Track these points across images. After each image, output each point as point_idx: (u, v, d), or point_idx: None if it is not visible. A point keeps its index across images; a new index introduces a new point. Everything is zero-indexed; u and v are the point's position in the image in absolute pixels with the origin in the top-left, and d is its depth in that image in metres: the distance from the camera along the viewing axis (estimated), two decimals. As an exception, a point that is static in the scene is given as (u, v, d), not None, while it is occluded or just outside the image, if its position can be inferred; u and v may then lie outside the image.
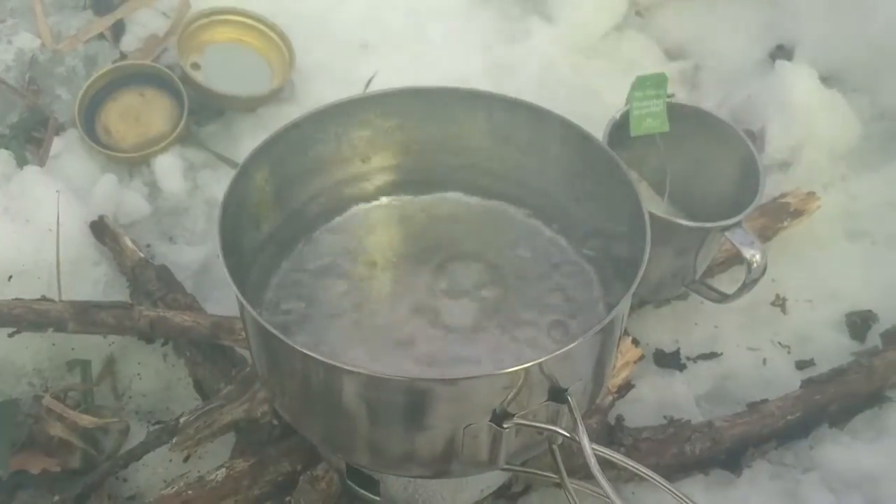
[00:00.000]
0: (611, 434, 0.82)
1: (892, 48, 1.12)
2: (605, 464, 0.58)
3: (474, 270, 0.74)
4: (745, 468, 0.84)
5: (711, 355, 0.96)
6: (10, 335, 0.85)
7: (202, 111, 1.11)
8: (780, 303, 1.00)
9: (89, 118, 1.06)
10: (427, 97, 0.75)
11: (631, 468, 0.56)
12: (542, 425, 0.58)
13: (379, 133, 0.76)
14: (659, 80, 0.88)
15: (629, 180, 0.67)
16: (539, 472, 0.68)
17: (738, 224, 0.83)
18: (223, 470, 0.77)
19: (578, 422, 0.56)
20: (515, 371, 0.55)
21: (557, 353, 0.56)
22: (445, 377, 0.57)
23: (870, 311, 0.99)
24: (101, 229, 0.95)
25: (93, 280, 0.91)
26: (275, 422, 0.78)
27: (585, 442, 0.55)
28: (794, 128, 1.09)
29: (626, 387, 0.88)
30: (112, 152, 1.04)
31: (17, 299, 0.83)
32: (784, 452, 0.87)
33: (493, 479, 0.75)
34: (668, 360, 0.95)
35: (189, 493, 0.75)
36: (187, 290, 0.92)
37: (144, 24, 1.15)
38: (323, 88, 1.12)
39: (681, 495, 0.55)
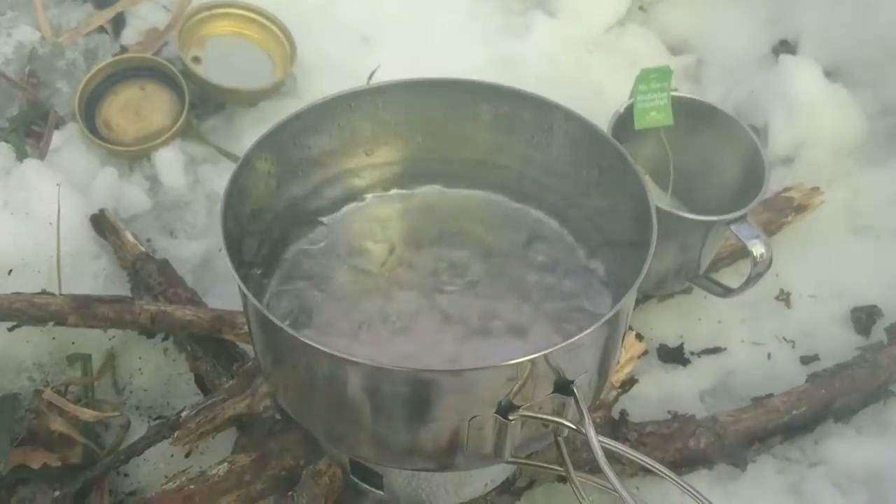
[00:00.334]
0: (615, 429, 0.82)
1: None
2: (610, 458, 0.58)
3: (477, 263, 0.74)
4: (749, 463, 0.84)
5: (715, 350, 0.96)
6: (11, 329, 0.84)
7: (203, 105, 1.10)
8: (784, 297, 1.00)
9: (89, 112, 1.06)
10: (431, 89, 0.74)
11: (637, 460, 0.55)
12: (548, 417, 0.58)
13: (382, 125, 0.76)
14: (663, 74, 0.87)
15: (635, 172, 0.66)
16: (544, 465, 0.68)
17: (743, 218, 0.83)
18: (225, 465, 0.76)
19: (585, 414, 0.56)
20: (521, 362, 0.55)
21: (563, 344, 0.56)
22: (451, 368, 0.57)
23: (874, 305, 0.99)
24: (101, 223, 0.94)
25: (93, 274, 0.91)
26: (277, 416, 0.78)
27: (592, 434, 0.55)
28: (798, 123, 1.08)
29: (630, 382, 0.87)
30: (112, 146, 1.04)
31: (17, 293, 0.82)
32: (789, 447, 0.87)
33: (497, 473, 0.75)
34: (672, 355, 0.95)
35: (191, 487, 0.75)
36: (188, 285, 0.92)
37: (145, 17, 1.15)
38: (324, 82, 1.12)
39: (687, 486, 0.55)
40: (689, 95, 0.93)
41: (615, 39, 1.23)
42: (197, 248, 0.99)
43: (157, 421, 0.87)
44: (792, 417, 0.86)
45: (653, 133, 0.90)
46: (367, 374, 0.57)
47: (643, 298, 0.96)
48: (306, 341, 0.56)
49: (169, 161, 1.04)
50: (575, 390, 0.57)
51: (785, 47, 1.19)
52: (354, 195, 0.78)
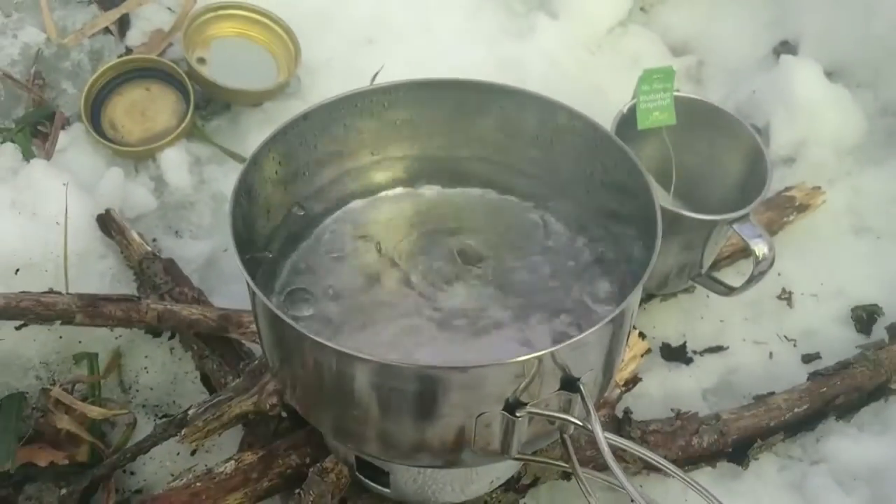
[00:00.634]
0: (619, 427, 0.83)
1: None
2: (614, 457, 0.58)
3: (483, 262, 0.75)
4: (752, 461, 0.84)
5: (718, 349, 0.96)
6: (18, 328, 0.85)
7: (208, 106, 1.11)
8: (785, 297, 1.00)
9: (95, 112, 1.06)
10: (436, 89, 0.75)
11: (644, 456, 0.56)
12: (555, 414, 0.58)
13: (388, 125, 0.76)
14: (666, 74, 0.88)
15: (640, 172, 0.67)
16: (551, 462, 0.68)
17: (745, 217, 0.84)
18: (232, 462, 0.77)
19: (591, 410, 0.56)
20: (529, 359, 0.55)
21: (570, 341, 0.56)
22: (459, 365, 0.57)
23: (875, 304, 0.99)
24: (107, 223, 0.95)
25: (99, 273, 0.91)
26: (283, 414, 0.78)
27: (598, 430, 0.55)
28: (799, 123, 1.09)
29: (634, 380, 0.88)
30: (118, 146, 1.04)
31: (24, 292, 0.83)
32: (791, 445, 0.88)
33: (502, 471, 0.75)
34: (675, 354, 0.96)
35: (198, 485, 0.75)
36: (193, 284, 0.92)
37: (149, 18, 1.15)
38: (328, 83, 1.12)
39: (694, 483, 0.55)
40: (691, 95, 0.94)
41: (617, 40, 1.24)
42: (202, 247, 1.00)
43: (163, 419, 0.87)
44: (794, 415, 0.86)
45: (655, 133, 0.90)
46: (375, 371, 0.57)
47: (646, 298, 0.97)
48: (315, 338, 0.56)
49: (174, 161, 1.04)
50: (581, 387, 0.58)
51: (786, 48, 1.20)
52: (360, 194, 0.79)
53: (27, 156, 1.00)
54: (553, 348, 0.56)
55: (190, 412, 0.78)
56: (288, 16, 1.14)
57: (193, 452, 0.85)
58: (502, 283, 0.73)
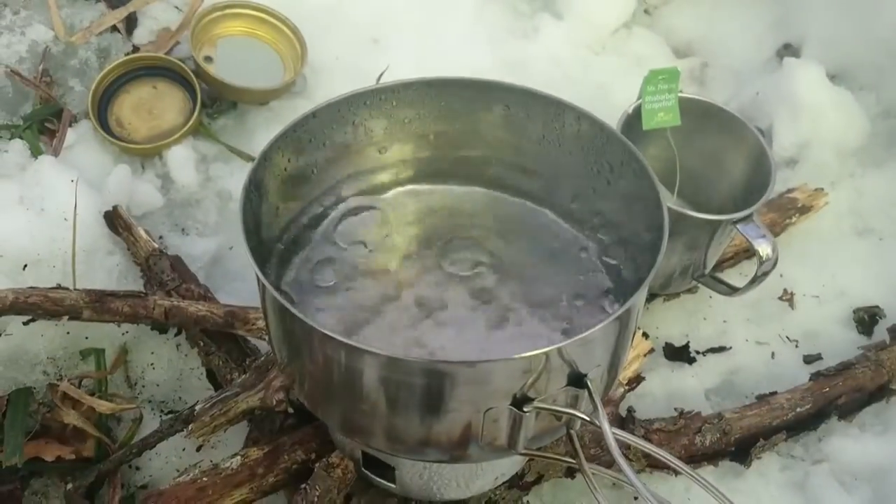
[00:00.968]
0: (622, 425, 0.83)
1: (898, 47, 1.13)
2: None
3: (490, 261, 0.75)
4: (754, 460, 0.85)
5: (720, 349, 0.97)
6: (26, 323, 0.85)
7: (214, 104, 1.11)
8: (787, 298, 1.01)
9: (102, 110, 1.07)
10: (444, 88, 0.75)
11: (649, 451, 0.56)
12: (563, 409, 0.59)
13: (396, 123, 0.77)
14: (671, 75, 0.89)
15: (647, 171, 0.67)
16: (557, 457, 0.69)
17: (749, 217, 0.84)
18: (238, 458, 0.77)
19: (598, 405, 0.57)
20: (537, 355, 0.56)
21: (577, 338, 0.57)
22: (467, 360, 0.58)
23: (877, 306, 1.00)
24: (114, 219, 0.95)
25: (107, 269, 0.92)
26: (290, 410, 0.79)
27: (606, 425, 0.56)
28: (802, 125, 1.10)
29: (637, 379, 0.89)
30: (125, 144, 1.05)
31: (32, 287, 0.83)
32: (793, 444, 0.88)
33: (507, 468, 0.76)
34: (678, 354, 0.96)
35: (204, 479, 0.76)
36: (200, 281, 0.93)
37: (157, 17, 1.16)
38: (334, 82, 1.13)
39: (699, 477, 0.56)
40: (696, 96, 0.94)
41: (621, 42, 1.25)
42: (208, 245, 1.00)
43: (169, 415, 0.88)
44: (796, 415, 0.87)
45: (660, 133, 0.91)
46: (383, 365, 0.58)
47: (649, 298, 0.97)
48: (324, 331, 0.57)
49: (181, 159, 1.05)
50: (588, 383, 0.58)
51: (789, 50, 1.21)
52: (368, 192, 0.79)
53: (35, 152, 1.01)
54: (561, 344, 0.56)
55: (197, 408, 0.79)
56: (294, 15, 1.15)
57: (199, 448, 0.86)
58: (509, 280, 0.73)
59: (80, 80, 1.10)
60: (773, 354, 0.97)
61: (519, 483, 0.80)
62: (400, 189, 0.80)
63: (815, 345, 0.98)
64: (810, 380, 0.90)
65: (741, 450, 0.85)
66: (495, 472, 0.75)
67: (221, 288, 0.95)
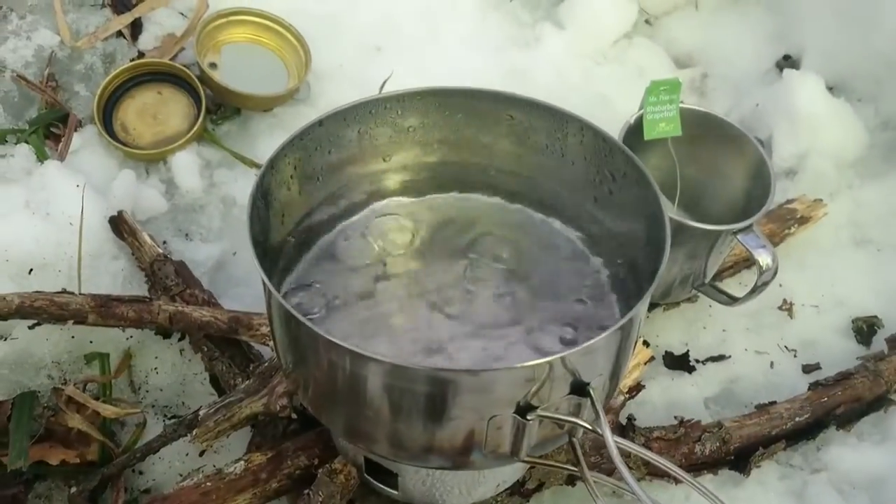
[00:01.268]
0: (623, 433, 0.84)
1: (896, 58, 1.14)
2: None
3: (492, 269, 0.76)
4: (753, 468, 0.85)
5: (720, 358, 0.97)
6: (31, 327, 0.86)
7: (219, 110, 1.12)
8: (786, 307, 1.02)
9: (107, 115, 1.07)
10: (449, 98, 0.76)
11: (650, 459, 0.57)
12: (565, 417, 0.59)
13: (400, 132, 0.78)
14: (673, 86, 0.90)
15: (649, 182, 0.68)
16: (560, 465, 0.69)
17: (749, 227, 0.85)
18: (241, 463, 0.78)
19: (600, 414, 0.57)
20: (540, 364, 0.57)
21: (580, 347, 0.58)
22: (471, 368, 0.58)
23: (875, 316, 1.01)
24: (119, 224, 0.96)
25: (111, 274, 0.92)
26: (293, 416, 0.79)
27: (608, 433, 0.57)
28: (801, 136, 1.11)
29: (637, 387, 0.89)
30: (130, 149, 1.05)
31: (38, 292, 0.84)
32: (792, 453, 0.89)
33: (508, 475, 0.76)
34: (678, 362, 0.97)
35: (208, 484, 0.76)
36: (204, 287, 0.93)
37: (162, 23, 1.16)
38: (338, 89, 1.14)
39: (698, 485, 0.56)
40: (696, 107, 0.95)
41: (622, 52, 1.25)
42: (211, 250, 1.01)
43: (172, 420, 0.88)
44: (795, 424, 0.87)
45: (661, 143, 0.92)
46: (388, 373, 0.58)
47: (650, 306, 0.97)
48: (329, 338, 0.57)
49: (185, 164, 1.05)
50: (591, 391, 0.59)
51: (788, 62, 1.22)
52: (372, 200, 0.80)
53: (41, 157, 1.01)
54: (564, 353, 0.57)
55: (201, 413, 0.79)
56: (299, 22, 1.15)
57: (202, 453, 0.86)
58: (512, 288, 0.74)
59: (86, 85, 1.10)
60: (772, 364, 0.98)
61: (520, 490, 0.80)
62: (404, 197, 0.81)
63: (813, 354, 0.99)
64: (809, 389, 0.91)
65: (740, 458, 0.86)
66: (497, 479, 0.75)
67: (225, 293, 0.96)
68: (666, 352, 0.97)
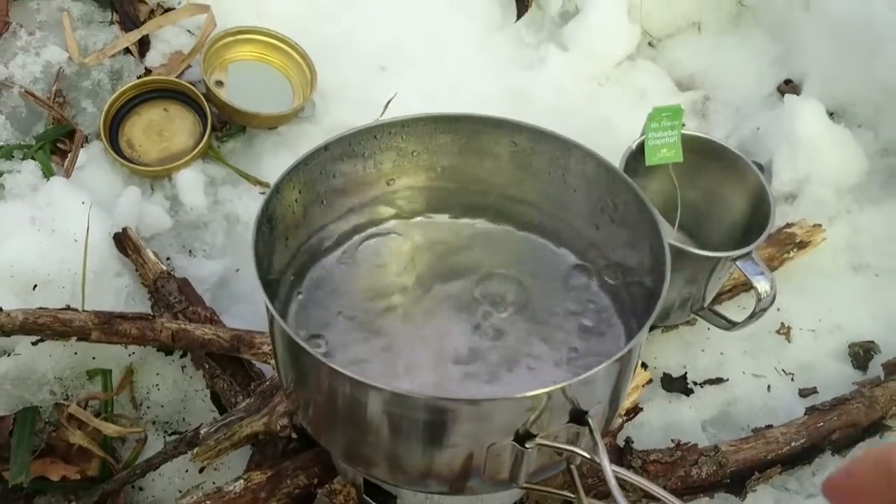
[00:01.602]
0: (620, 456, 0.84)
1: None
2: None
3: (495, 295, 0.76)
4: (749, 492, 0.86)
5: (717, 381, 0.98)
6: (34, 343, 0.86)
7: (224, 128, 1.13)
8: (784, 331, 1.02)
9: (113, 131, 1.08)
10: (452, 123, 0.77)
11: (648, 489, 0.58)
12: (564, 446, 0.60)
13: (404, 156, 0.78)
14: (674, 112, 0.90)
15: (649, 211, 0.69)
16: (557, 492, 0.70)
17: (748, 255, 0.86)
18: (241, 481, 0.78)
19: (599, 443, 0.58)
20: (539, 394, 0.57)
21: (580, 377, 0.58)
22: (471, 398, 0.59)
23: (872, 341, 1.01)
24: (123, 241, 0.96)
25: (115, 291, 0.93)
26: (294, 435, 0.80)
27: (606, 463, 0.57)
28: (801, 161, 1.11)
29: (635, 410, 0.90)
30: (135, 165, 1.06)
31: (42, 308, 0.84)
32: (787, 477, 0.90)
33: (506, 499, 0.77)
34: (676, 385, 0.97)
35: (207, 502, 0.77)
36: (206, 304, 0.94)
37: (169, 40, 1.17)
38: (342, 109, 1.14)
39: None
40: (698, 133, 0.96)
41: (625, 74, 1.26)
42: (214, 267, 1.01)
43: (173, 436, 0.89)
44: (791, 449, 0.88)
45: (662, 169, 0.92)
46: (388, 400, 0.59)
47: (649, 329, 0.98)
48: (330, 365, 0.58)
49: (190, 182, 1.06)
50: (590, 420, 0.59)
51: (790, 87, 1.23)
52: (376, 223, 0.80)
53: (47, 173, 1.02)
54: (563, 384, 0.57)
55: (202, 431, 0.80)
56: (305, 42, 1.16)
57: (202, 470, 0.87)
58: (514, 310, 0.75)
59: (93, 102, 1.11)
60: (769, 387, 0.98)
61: (517, 512, 0.81)
62: (407, 219, 0.81)
63: (810, 378, 0.99)
64: (805, 414, 0.91)
65: (736, 482, 0.86)
66: (495, 502, 0.76)
67: (227, 310, 0.97)
68: (664, 374, 0.98)
